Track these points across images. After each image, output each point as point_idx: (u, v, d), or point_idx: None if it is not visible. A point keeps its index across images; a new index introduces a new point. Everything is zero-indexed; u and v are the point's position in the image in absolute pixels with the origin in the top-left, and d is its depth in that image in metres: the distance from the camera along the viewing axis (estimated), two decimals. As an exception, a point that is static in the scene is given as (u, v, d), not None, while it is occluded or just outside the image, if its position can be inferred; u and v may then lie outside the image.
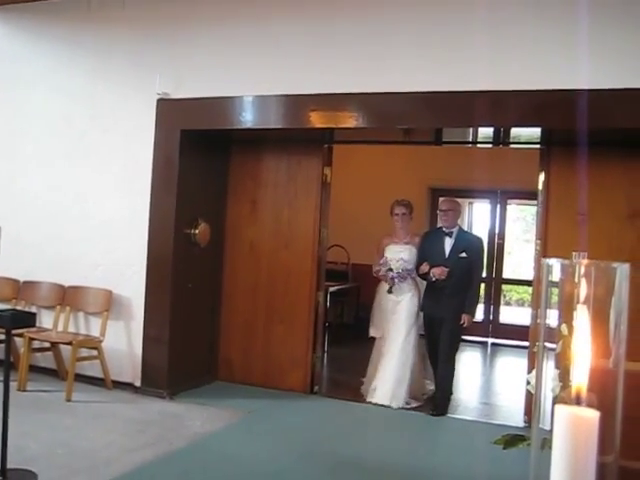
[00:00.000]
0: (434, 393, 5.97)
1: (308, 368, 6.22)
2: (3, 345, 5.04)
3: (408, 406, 5.77)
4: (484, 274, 9.90)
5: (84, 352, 5.94)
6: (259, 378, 6.29)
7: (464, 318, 5.64)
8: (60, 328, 6.25)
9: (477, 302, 5.99)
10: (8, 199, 6.60)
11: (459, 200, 9.97)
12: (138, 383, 6.01)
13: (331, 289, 8.05)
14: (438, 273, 5.64)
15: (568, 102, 4.57)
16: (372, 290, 6.87)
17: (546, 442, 1.07)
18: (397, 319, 5.91)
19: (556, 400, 1.15)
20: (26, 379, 5.81)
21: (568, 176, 5.23)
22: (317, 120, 5.55)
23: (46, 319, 6.31)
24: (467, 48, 4.99)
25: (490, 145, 6.58)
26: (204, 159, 6.23)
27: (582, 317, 1.17)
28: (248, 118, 5.69)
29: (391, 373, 5.82)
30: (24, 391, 5.73)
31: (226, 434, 5.05)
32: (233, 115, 5.73)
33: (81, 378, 5.89)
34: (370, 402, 5.84)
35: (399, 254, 5.90)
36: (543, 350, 1.32)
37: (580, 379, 1.00)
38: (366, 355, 6.81)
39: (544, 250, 5.38)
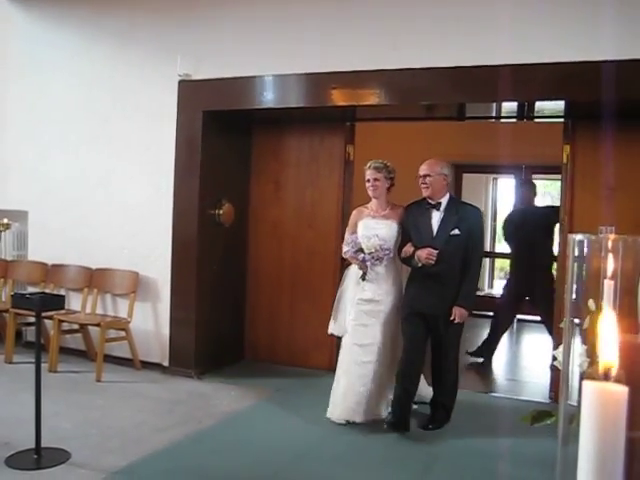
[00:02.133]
0: (432, 408, 4.84)
1: (333, 346, 6.22)
2: (34, 327, 5.14)
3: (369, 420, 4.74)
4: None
5: (112, 333, 6.02)
6: (285, 357, 6.34)
7: (455, 312, 4.51)
8: (88, 310, 6.33)
9: (474, 292, 4.80)
10: (34, 185, 6.67)
11: (482, 175, 9.97)
12: (166, 363, 6.08)
13: (355, 267, 8.05)
14: (424, 257, 4.50)
15: (593, 74, 4.50)
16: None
17: (574, 418, 1.07)
18: (372, 315, 4.79)
19: (584, 376, 1.15)
20: (57, 360, 5.92)
21: (593, 149, 5.16)
22: (338, 98, 5.52)
23: (74, 301, 6.40)
24: (488, 21, 4.92)
25: (514, 120, 6.51)
26: (227, 140, 6.24)
27: (609, 292, 1.17)
28: (270, 98, 5.67)
29: (359, 386, 4.73)
30: (55, 372, 5.84)
31: (253, 412, 5.10)
32: (255, 95, 5.72)
33: (110, 359, 5.98)
34: (333, 421, 4.78)
35: (374, 230, 4.73)
36: (570, 326, 1.32)
37: (608, 355, 1.00)
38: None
39: (570, 225, 5.33)
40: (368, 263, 4.66)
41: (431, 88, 5.21)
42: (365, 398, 4.73)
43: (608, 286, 1.20)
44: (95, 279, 6.37)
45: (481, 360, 6.78)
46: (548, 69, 4.70)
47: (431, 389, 4.85)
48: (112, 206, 6.31)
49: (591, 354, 1.27)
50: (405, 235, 4.74)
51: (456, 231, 4.54)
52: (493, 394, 5.78)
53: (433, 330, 4.63)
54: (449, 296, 4.54)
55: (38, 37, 6.69)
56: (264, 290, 6.49)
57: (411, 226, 4.71)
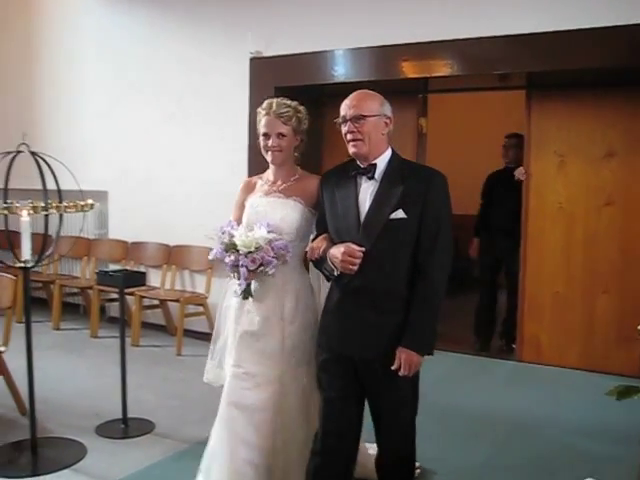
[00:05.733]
0: None
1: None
2: (116, 303, 5.32)
3: None
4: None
5: (191, 308, 6.18)
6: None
7: (399, 357, 2.56)
8: (167, 286, 6.50)
9: (434, 322, 2.65)
10: (112, 165, 6.88)
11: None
12: (243, 337, 6.19)
13: (428, 241, 7.98)
14: (340, 259, 2.58)
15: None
16: (468, 241, 6.70)
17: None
18: (260, 361, 2.93)
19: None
20: (139, 335, 6.12)
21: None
22: (410, 70, 5.45)
23: (154, 278, 6.57)
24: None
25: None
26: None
27: None
28: (340, 72, 5.65)
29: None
30: (137, 346, 6.05)
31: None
32: (325, 70, 5.70)
33: (189, 333, 6.14)
34: None
35: (264, 214, 2.94)
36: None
37: None
38: (463, 307, 6.78)
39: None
40: (243, 269, 2.78)
41: (504, 57, 5.08)
42: None
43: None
44: (173, 256, 6.53)
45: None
46: (634, 31, 4.50)
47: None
48: (188, 184, 6.43)
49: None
50: (321, 223, 2.87)
51: (400, 213, 2.59)
52: (572, 367, 5.65)
53: (367, 386, 2.71)
54: (390, 327, 2.61)
55: (111, 21, 6.84)
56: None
57: (327, 207, 2.81)
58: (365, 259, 2.57)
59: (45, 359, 5.00)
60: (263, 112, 3.03)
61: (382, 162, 2.77)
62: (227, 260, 2.85)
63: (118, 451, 3.88)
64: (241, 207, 3.12)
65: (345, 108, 2.74)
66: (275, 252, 2.78)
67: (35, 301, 6.60)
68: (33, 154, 3.76)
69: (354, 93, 2.81)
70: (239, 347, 2.95)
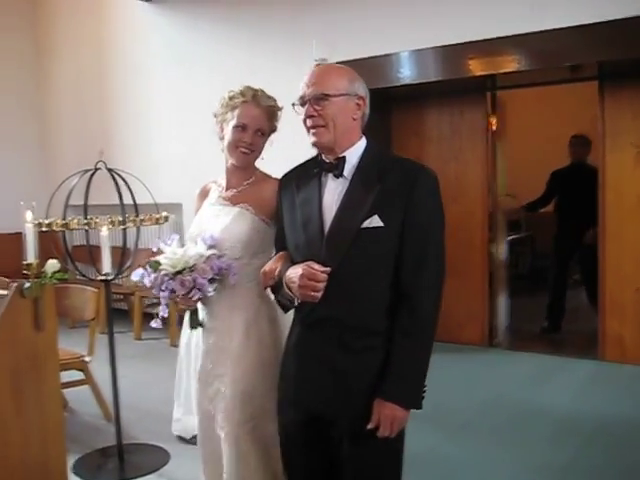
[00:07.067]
0: None
1: (485, 320, 6.14)
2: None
3: None
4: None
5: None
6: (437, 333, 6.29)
7: (378, 411, 1.96)
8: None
9: (423, 364, 2.07)
10: (185, 177, 7.02)
11: None
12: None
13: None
14: (298, 284, 1.97)
15: None
16: (547, 239, 6.60)
17: None
18: (219, 400, 2.42)
19: None
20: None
21: None
22: (477, 68, 5.38)
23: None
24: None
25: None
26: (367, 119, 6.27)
27: None
28: (406, 74, 5.63)
29: None
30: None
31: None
32: (391, 73, 5.69)
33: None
34: None
35: (206, 225, 2.51)
36: None
37: None
38: (543, 305, 6.67)
39: None
40: (164, 294, 2.34)
41: (574, 47, 4.95)
42: None
43: None
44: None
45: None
46: None
47: None
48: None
49: None
50: (279, 239, 2.26)
51: (375, 220, 1.97)
52: None
53: (331, 453, 2.11)
54: (366, 372, 2.01)
55: (178, 34, 7.06)
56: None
57: (286, 217, 2.20)
58: (331, 282, 1.95)
59: (128, 368, 5.17)
60: (241, 98, 2.50)
61: (353, 155, 2.13)
62: (146, 281, 2.34)
63: (199, 457, 3.96)
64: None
65: (304, 87, 2.15)
66: (215, 273, 2.29)
67: (117, 312, 6.82)
68: (110, 170, 3.90)
69: (318, 68, 2.21)
70: (199, 384, 2.53)
